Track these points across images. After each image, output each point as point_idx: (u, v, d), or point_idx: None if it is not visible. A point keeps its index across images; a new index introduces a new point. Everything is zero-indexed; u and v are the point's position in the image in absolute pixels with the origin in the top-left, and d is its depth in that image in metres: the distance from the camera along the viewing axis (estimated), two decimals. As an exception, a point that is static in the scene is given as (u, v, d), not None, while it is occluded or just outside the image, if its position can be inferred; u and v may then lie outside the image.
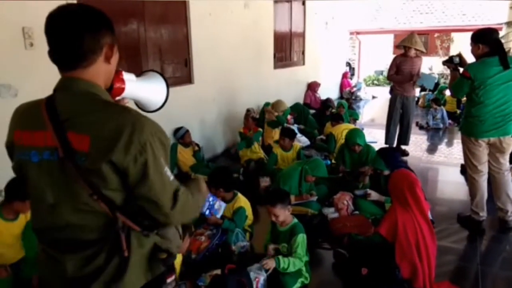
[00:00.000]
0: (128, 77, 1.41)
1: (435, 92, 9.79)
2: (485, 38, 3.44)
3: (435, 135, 7.69)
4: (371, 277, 2.90)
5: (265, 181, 4.68)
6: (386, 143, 6.10)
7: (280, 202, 2.92)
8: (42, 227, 1.24)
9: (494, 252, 3.44)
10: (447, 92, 9.05)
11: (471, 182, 3.74)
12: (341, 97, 11.98)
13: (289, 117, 6.88)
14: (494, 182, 3.70)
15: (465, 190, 4.35)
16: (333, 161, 5.36)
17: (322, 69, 10.57)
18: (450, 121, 8.23)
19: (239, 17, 6.55)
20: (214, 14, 5.89)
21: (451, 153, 6.55)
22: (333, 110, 7.42)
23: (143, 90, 1.48)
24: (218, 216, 3.28)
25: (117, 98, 1.39)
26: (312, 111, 8.03)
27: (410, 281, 2.77)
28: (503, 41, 3.68)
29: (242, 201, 3.53)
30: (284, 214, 2.95)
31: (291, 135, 5.04)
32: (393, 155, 4.17)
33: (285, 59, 8.58)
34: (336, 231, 3.57)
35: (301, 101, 8.86)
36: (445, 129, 8.03)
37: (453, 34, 15.99)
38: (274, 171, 4.81)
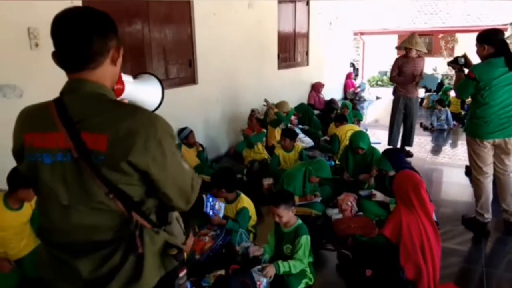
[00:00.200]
0: (126, 78, 1.43)
1: (440, 93, 9.77)
2: (491, 39, 3.43)
3: (439, 136, 7.66)
4: (375, 278, 2.89)
5: (268, 182, 4.68)
6: (389, 144, 6.09)
7: (284, 202, 2.92)
8: (53, 229, 1.23)
9: (499, 254, 3.42)
10: (452, 93, 9.03)
11: (476, 183, 3.72)
12: (345, 97, 11.95)
13: (292, 117, 6.87)
14: (499, 184, 3.68)
15: (470, 192, 4.33)
16: (337, 162, 5.36)
17: (326, 70, 10.56)
18: (454, 122, 8.19)
19: (243, 17, 6.55)
20: (218, 14, 5.89)
21: (456, 154, 6.53)
22: (338, 111, 7.41)
23: (140, 91, 1.50)
24: (221, 215, 3.31)
25: (117, 99, 1.40)
26: (316, 112, 8.02)
27: (414, 282, 2.76)
28: (508, 41, 3.66)
29: (245, 201, 3.53)
30: (287, 215, 2.94)
31: (292, 136, 5.05)
32: (398, 156, 4.16)
33: (289, 60, 8.57)
34: (340, 232, 3.56)
35: (305, 102, 8.85)
36: (449, 130, 8.00)
37: (458, 35, 15.94)
38: (277, 172, 4.81)
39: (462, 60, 3.73)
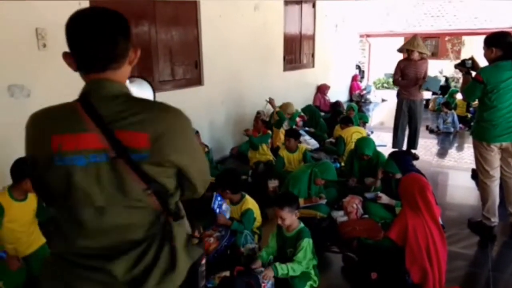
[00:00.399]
0: None
1: (446, 96, 9.72)
2: (499, 42, 3.41)
3: (445, 139, 7.62)
4: (380, 281, 2.88)
5: (273, 184, 4.67)
6: (394, 147, 6.05)
7: (288, 205, 2.91)
8: (83, 235, 1.19)
9: (506, 258, 3.40)
10: (458, 96, 8.98)
11: (482, 187, 3.70)
12: (350, 99, 11.94)
13: (298, 119, 6.87)
14: (506, 187, 3.66)
15: (476, 195, 4.31)
16: (342, 164, 5.34)
17: (332, 72, 10.54)
18: (461, 125, 8.15)
19: (249, 19, 6.57)
20: (224, 16, 5.91)
21: (462, 157, 6.49)
22: (344, 114, 7.40)
23: (134, 93, 1.52)
24: (227, 217, 3.32)
25: None
26: (321, 114, 8.00)
27: (420, 286, 2.75)
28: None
29: (250, 203, 3.53)
30: (291, 218, 2.93)
31: (296, 135, 5.07)
32: (405, 159, 4.14)
33: (295, 62, 8.57)
34: (345, 235, 3.55)
35: (311, 104, 8.84)
36: (455, 133, 7.95)
37: (464, 38, 15.85)
38: (282, 174, 4.80)
39: (470, 62, 3.71)
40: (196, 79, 5.65)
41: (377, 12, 14.31)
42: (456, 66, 3.89)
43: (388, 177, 4.06)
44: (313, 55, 9.35)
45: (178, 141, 1.20)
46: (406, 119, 5.99)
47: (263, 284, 2.72)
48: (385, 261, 2.96)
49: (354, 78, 12.49)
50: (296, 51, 8.57)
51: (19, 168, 2.62)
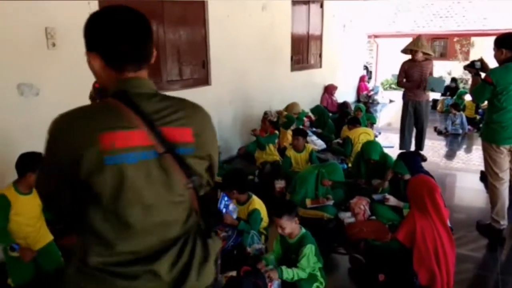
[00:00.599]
0: None
1: (454, 97, 9.65)
2: (509, 43, 3.38)
3: (453, 141, 7.56)
4: (388, 283, 2.87)
5: (280, 185, 4.66)
6: (401, 148, 6.01)
7: (287, 213, 2.87)
8: (126, 238, 1.15)
9: (515, 261, 3.37)
10: (467, 97, 8.91)
11: (491, 189, 3.66)
12: (358, 100, 11.89)
13: (305, 119, 6.85)
14: (515, 190, 3.63)
15: (484, 197, 4.27)
16: (349, 165, 5.32)
17: (339, 72, 10.51)
18: (469, 126, 8.07)
19: (256, 19, 6.56)
20: (232, 16, 5.91)
21: (470, 159, 6.44)
22: (352, 114, 7.37)
23: None
24: (234, 217, 3.32)
25: None
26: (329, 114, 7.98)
27: (428, 288, 2.73)
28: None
29: (257, 203, 3.53)
30: (290, 226, 2.89)
31: (304, 134, 5.09)
32: (415, 160, 4.13)
33: (302, 62, 8.56)
34: (353, 236, 3.53)
35: (319, 104, 8.82)
36: (464, 135, 7.87)
37: (473, 39, 15.75)
38: (289, 174, 4.80)
39: (479, 64, 3.69)
40: (203, 79, 5.66)
41: (385, 12, 14.26)
42: (465, 68, 3.86)
43: (397, 178, 4.03)
44: (320, 56, 9.33)
45: (211, 136, 1.30)
46: (413, 121, 5.96)
47: (269, 284, 2.72)
48: (392, 263, 2.94)
49: (361, 79, 12.44)
50: (303, 51, 8.56)
51: (23, 162, 2.66)
